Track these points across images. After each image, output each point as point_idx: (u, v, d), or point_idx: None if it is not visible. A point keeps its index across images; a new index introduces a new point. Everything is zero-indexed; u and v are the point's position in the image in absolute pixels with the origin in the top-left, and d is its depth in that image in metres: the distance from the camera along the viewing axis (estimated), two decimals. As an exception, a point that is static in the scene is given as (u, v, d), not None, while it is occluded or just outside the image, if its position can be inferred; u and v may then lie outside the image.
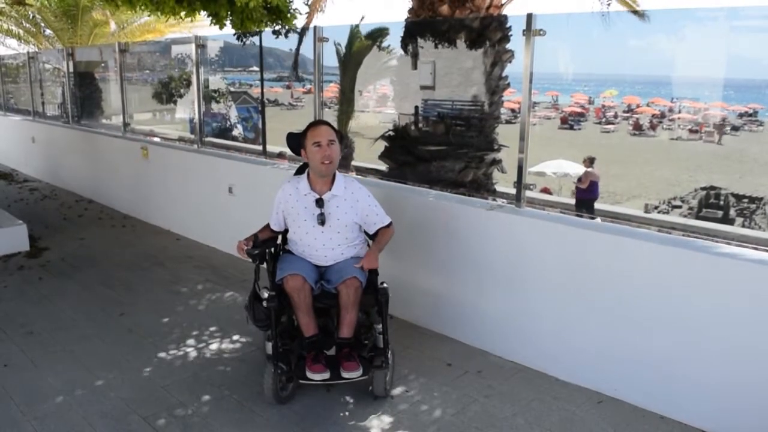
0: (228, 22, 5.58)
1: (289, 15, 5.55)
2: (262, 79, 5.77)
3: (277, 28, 5.65)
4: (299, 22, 6.07)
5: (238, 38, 5.75)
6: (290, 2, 5.57)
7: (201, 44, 6.11)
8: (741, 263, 2.87)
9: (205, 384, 3.46)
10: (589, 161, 10.03)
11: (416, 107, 5.89)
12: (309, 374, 3.06)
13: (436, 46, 5.65)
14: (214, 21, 5.52)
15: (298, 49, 4.98)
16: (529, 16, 3.57)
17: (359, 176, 4.71)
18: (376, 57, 6.64)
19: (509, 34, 5.93)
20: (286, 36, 5.75)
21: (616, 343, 3.25)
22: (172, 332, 4.15)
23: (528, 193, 3.80)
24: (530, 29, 3.54)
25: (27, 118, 10.51)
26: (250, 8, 5.04)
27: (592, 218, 3.67)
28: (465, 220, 3.84)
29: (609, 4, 6.66)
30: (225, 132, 7.72)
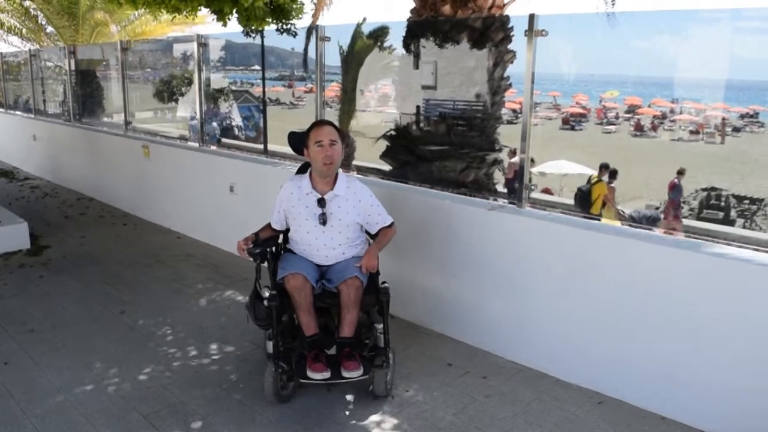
0: (232, 19, 5.58)
1: (293, 12, 5.54)
2: (263, 78, 5.77)
3: (282, 26, 5.64)
4: (303, 21, 6.05)
5: (246, 34, 5.73)
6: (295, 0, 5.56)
7: (203, 43, 6.11)
8: (742, 264, 2.87)
9: (205, 382, 3.46)
10: (512, 153, 10.31)
11: (418, 107, 5.89)
12: (310, 373, 3.05)
13: (438, 46, 5.65)
14: (217, 18, 5.51)
15: (306, 48, 4.99)
16: (532, 17, 3.57)
17: (360, 176, 4.71)
18: (377, 56, 6.64)
19: (511, 34, 5.93)
20: (292, 34, 5.74)
21: (617, 344, 3.25)
22: (173, 330, 4.15)
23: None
24: (532, 30, 3.55)
25: (28, 115, 10.52)
26: (254, 6, 5.04)
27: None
28: (466, 220, 3.84)
29: (614, 4, 6.65)
30: (226, 131, 7.73)
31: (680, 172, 12.36)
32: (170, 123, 8.59)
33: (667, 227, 10.77)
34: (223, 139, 7.16)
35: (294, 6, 5.43)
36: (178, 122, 8.32)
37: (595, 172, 16.02)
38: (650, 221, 11.29)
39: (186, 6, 5.15)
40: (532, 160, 12.04)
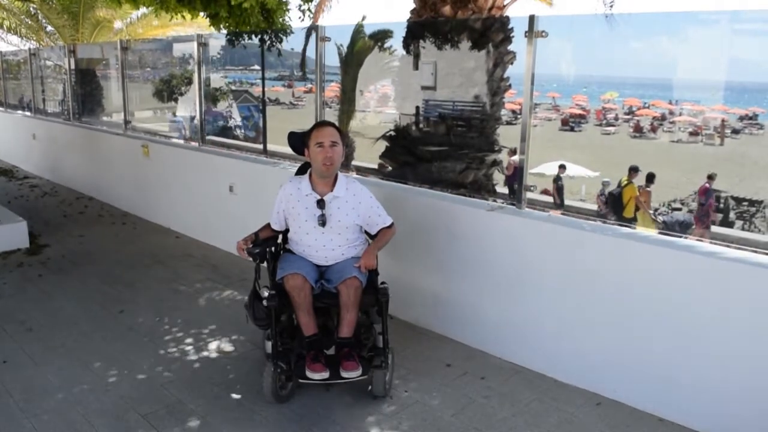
0: (225, 23, 5.58)
1: (281, 21, 5.52)
2: (263, 78, 5.77)
3: (266, 37, 5.62)
4: (303, 22, 6.05)
5: (229, 41, 5.74)
6: (286, 7, 5.54)
7: (203, 42, 6.11)
8: (740, 266, 2.87)
9: (204, 382, 3.46)
10: (512, 152, 10.37)
11: (417, 107, 5.89)
12: (308, 374, 3.06)
13: (437, 47, 5.65)
14: (211, 22, 5.51)
15: (304, 48, 4.99)
16: (532, 18, 3.57)
17: (360, 176, 4.71)
18: (377, 57, 6.64)
19: (511, 35, 5.93)
20: (269, 49, 5.71)
21: (616, 345, 3.25)
22: (172, 330, 4.15)
23: (528, 195, 3.81)
24: (532, 31, 3.54)
25: (28, 114, 10.51)
26: (245, 10, 5.03)
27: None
28: (465, 220, 3.84)
29: (612, 6, 6.67)
30: (225, 131, 7.73)
31: (711, 177, 12.08)
32: (170, 123, 8.58)
33: (700, 233, 10.58)
34: (216, 138, 7.15)
35: (281, 9, 5.42)
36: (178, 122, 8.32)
37: (595, 174, 16.03)
38: (683, 226, 11.15)
39: (185, 8, 5.15)
40: (563, 167, 12.18)
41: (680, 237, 3.37)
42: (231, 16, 5.26)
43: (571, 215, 3.77)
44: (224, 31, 5.65)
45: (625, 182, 11.05)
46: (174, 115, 8.31)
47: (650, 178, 11.52)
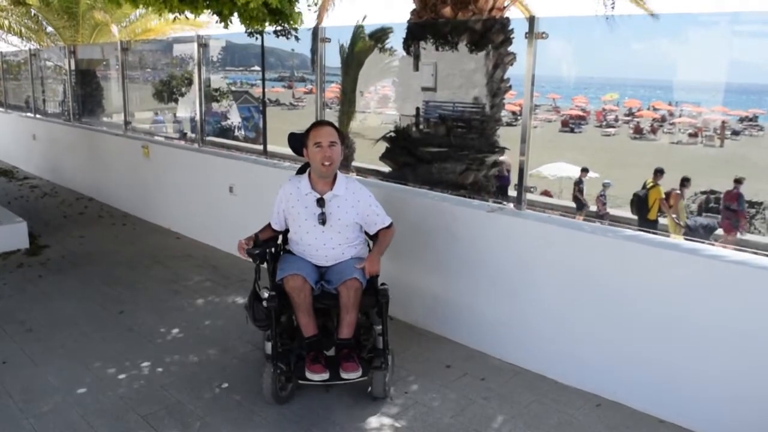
0: (234, 21, 5.58)
1: (291, 16, 5.51)
2: (263, 79, 5.77)
3: (279, 28, 5.63)
4: (306, 23, 6.04)
5: (249, 35, 5.73)
6: (296, 2, 5.54)
7: (203, 43, 6.12)
8: (741, 268, 2.87)
9: (204, 383, 3.46)
10: (502, 152, 10.36)
11: (417, 108, 5.90)
12: (308, 375, 3.05)
13: (438, 48, 5.66)
14: (219, 20, 5.53)
15: (313, 49, 4.99)
16: (532, 19, 3.57)
17: (360, 176, 4.71)
18: (377, 58, 6.64)
19: (511, 36, 5.94)
20: (287, 37, 5.74)
21: (616, 347, 3.25)
22: (172, 331, 4.15)
23: (529, 196, 3.81)
24: (533, 32, 3.55)
25: (28, 115, 10.52)
26: (250, 8, 5.03)
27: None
28: (465, 221, 3.84)
29: (613, 6, 6.68)
30: (225, 131, 7.74)
31: (738, 181, 11.85)
32: (170, 123, 8.59)
33: (732, 241, 10.41)
34: (216, 139, 7.16)
35: (291, 10, 5.42)
36: (178, 123, 8.33)
37: (595, 175, 16.03)
38: (707, 230, 11.05)
39: (187, 7, 5.15)
40: (586, 170, 12.00)
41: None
42: (238, 14, 5.26)
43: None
44: (227, 31, 5.64)
45: (651, 184, 10.97)
46: (156, 114, 8.36)
47: (683, 182, 11.37)
